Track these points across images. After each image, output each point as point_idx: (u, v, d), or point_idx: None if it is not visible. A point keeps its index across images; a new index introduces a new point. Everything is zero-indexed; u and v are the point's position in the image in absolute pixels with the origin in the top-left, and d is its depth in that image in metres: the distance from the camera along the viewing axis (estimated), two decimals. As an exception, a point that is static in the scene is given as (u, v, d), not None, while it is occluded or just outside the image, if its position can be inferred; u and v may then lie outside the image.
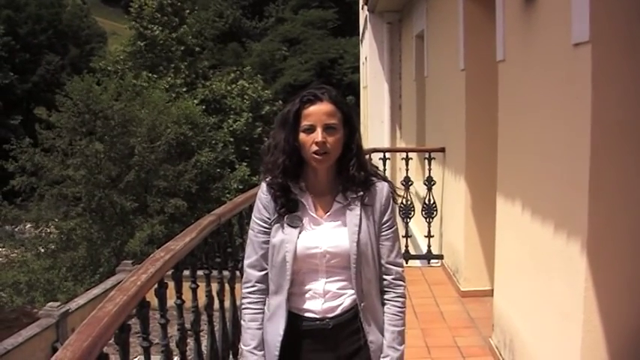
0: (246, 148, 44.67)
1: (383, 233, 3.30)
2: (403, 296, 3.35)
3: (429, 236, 9.73)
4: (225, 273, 4.99)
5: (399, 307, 3.33)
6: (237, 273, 5.21)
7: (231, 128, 44.04)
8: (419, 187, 11.00)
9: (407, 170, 9.89)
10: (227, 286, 5.03)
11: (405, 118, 15.53)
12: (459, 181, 8.55)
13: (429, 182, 9.76)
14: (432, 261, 9.92)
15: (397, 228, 3.40)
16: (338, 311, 3.23)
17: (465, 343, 6.89)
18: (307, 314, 3.24)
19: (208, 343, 4.60)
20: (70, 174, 32.64)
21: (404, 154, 10.30)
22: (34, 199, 33.88)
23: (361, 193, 3.23)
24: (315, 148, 3.10)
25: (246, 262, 3.39)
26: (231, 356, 4.96)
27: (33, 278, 31.05)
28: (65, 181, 33.05)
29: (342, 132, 3.16)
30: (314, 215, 3.25)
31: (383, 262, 3.31)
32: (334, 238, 3.20)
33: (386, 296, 3.33)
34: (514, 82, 5.90)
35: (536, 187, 5.20)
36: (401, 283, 3.35)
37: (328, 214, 3.25)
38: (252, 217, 3.40)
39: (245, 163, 41.66)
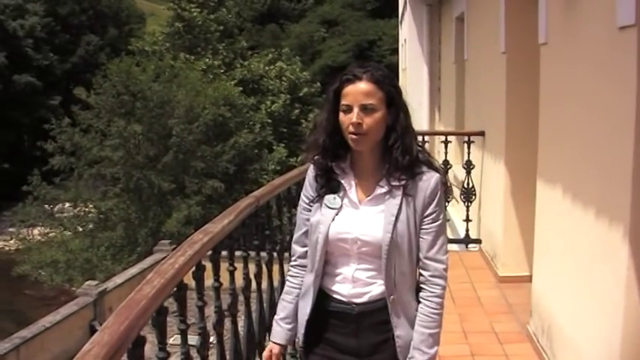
0: (284, 130, 44.71)
1: (424, 226, 3.15)
2: (440, 296, 3.18)
3: (467, 220, 9.66)
4: (263, 254, 4.96)
5: (433, 308, 3.16)
6: (275, 255, 5.21)
7: (268, 110, 44.06)
8: (457, 171, 10.93)
9: (446, 154, 9.80)
10: (264, 268, 5.01)
11: (444, 101, 15.43)
12: (498, 166, 8.47)
13: (468, 166, 9.68)
14: (469, 245, 9.86)
15: (443, 223, 3.21)
16: (365, 298, 3.17)
17: (502, 329, 6.84)
18: (335, 296, 3.22)
19: (245, 325, 4.60)
20: (109, 154, 32.85)
21: (443, 138, 10.22)
22: (73, 178, 34.12)
23: (404, 180, 3.08)
24: (351, 128, 3.02)
25: (294, 235, 3.46)
26: (267, 339, 4.93)
27: (71, 257, 31.38)
28: (103, 162, 33.28)
29: (384, 113, 3.05)
30: (354, 199, 3.17)
31: (421, 256, 3.16)
32: (368, 225, 3.12)
33: (421, 294, 3.19)
34: (556, 66, 5.81)
35: (578, 172, 5.13)
36: (439, 281, 3.17)
37: (368, 198, 3.16)
38: (302, 193, 3.40)
39: (283, 145, 41.70)
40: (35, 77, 62.63)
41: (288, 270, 3.49)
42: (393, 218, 3.08)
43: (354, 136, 3.04)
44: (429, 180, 3.12)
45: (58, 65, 66.89)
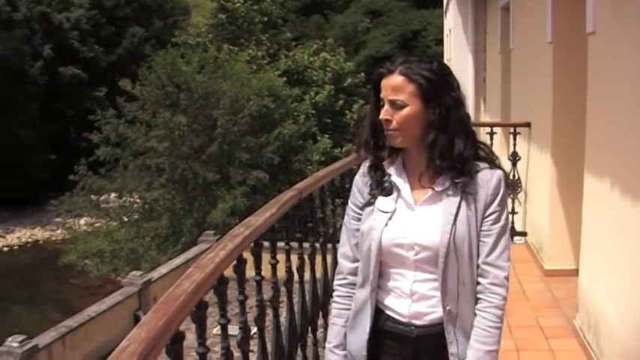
0: (328, 121, 44.60)
1: (484, 228, 2.90)
2: (500, 308, 2.89)
3: (513, 212, 9.54)
4: (306, 246, 4.91)
5: (492, 321, 2.87)
6: (318, 246, 5.16)
7: (313, 100, 43.98)
8: (503, 163, 10.80)
9: (491, 145, 9.70)
10: (307, 261, 4.96)
11: (489, 91, 15.32)
12: (544, 157, 8.36)
13: (514, 157, 9.58)
14: (515, 238, 9.74)
15: (506, 225, 2.95)
16: (426, 321, 2.93)
17: (548, 324, 6.76)
18: (392, 314, 2.99)
19: (287, 318, 4.55)
20: (154, 145, 33.04)
21: (488, 129, 10.11)
22: (119, 169, 34.40)
23: (462, 178, 2.86)
24: (384, 125, 2.88)
25: (339, 251, 3.25)
26: (309, 332, 4.90)
27: (117, 247, 31.68)
28: (149, 152, 33.49)
29: (417, 108, 2.83)
30: (408, 200, 2.96)
31: (480, 261, 2.89)
32: (425, 228, 2.88)
33: (478, 305, 2.90)
34: (605, 56, 5.71)
35: (628, 164, 5.03)
36: (499, 291, 2.89)
37: (424, 198, 2.93)
38: (349, 201, 3.20)
39: (327, 136, 41.58)
40: (81, 69, 63.43)
41: (335, 289, 3.27)
42: (452, 217, 2.86)
43: (387, 133, 2.90)
44: (490, 177, 2.91)
45: (103, 57, 67.61)
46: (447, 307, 2.87)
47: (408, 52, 3.01)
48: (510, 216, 9.59)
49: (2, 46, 54.91)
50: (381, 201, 3.00)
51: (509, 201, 9.63)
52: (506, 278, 2.92)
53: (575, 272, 6.85)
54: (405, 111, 2.84)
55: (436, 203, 2.91)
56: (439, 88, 2.85)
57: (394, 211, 2.96)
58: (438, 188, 2.90)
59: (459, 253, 2.84)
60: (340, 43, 56.48)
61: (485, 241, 2.90)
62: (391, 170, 3.01)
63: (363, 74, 49.54)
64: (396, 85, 2.85)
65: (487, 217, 2.90)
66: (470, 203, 2.88)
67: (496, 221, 2.91)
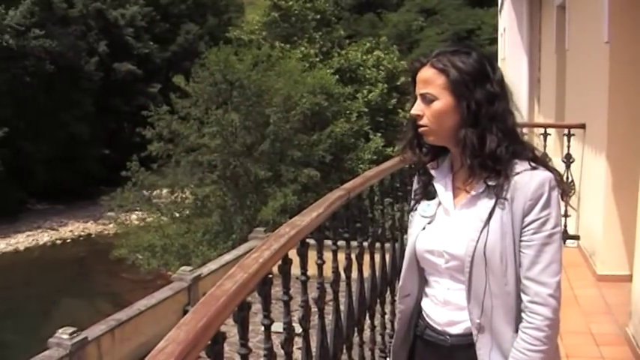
0: (381, 119, 44.48)
1: (524, 238, 2.64)
2: (540, 329, 2.62)
3: (566, 216, 9.38)
4: (353, 244, 4.84)
5: (529, 344, 2.63)
6: (366, 246, 5.09)
7: (365, 99, 43.88)
8: (556, 165, 10.65)
9: (545, 147, 9.56)
10: (354, 262, 4.90)
11: (543, 92, 15.14)
12: (599, 160, 8.22)
13: (568, 160, 9.42)
14: (567, 241, 9.59)
15: (553, 235, 2.65)
16: (460, 329, 2.80)
17: (600, 331, 6.63)
18: (430, 321, 2.90)
19: (333, 320, 4.49)
20: (206, 142, 33.23)
21: (542, 130, 9.96)
22: (171, 165, 34.70)
23: (495, 181, 2.66)
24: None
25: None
26: (356, 333, 4.84)
27: (168, 242, 31.93)
28: (201, 149, 33.68)
29: (449, 102, 2.69)
30: (447, 205, 2.83)
31: (521, 275, 2.65)
32: (455, 235, 2.74)
33: (521, 324, 2.67)
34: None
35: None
36: (540, 310, 2.62)
37: (461, 203, 2.79)
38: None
39: (379, 134, 41.47)
40: (135, 65, 64.12)
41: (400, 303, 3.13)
42: (481, 224, 2.67)
43: (420, 129, 2.79)
44: (530, 180, 2.64)
45: (157, 54, 68.24)
46: (477, 321, 2.72)
47: (454, 45, 2.88)
48: (563, 219, 9.48)
49: (58, 42, 55.58)
50: (423, 205, 2.92)
51: (563, 204, 9.48)
52: (552, 297, 2.63)
53: (629, 278, 6.70)
54: (435, 105, 2.72)
55: (470, 208, 2.76)
56: (470, 80, 2.70)
57: (434, 215, 2.87)
58: (474, 192, 2.75)
59: (489, 264, 2.66)
60: (394, 42, 56.43)
61: (526, 253, 2.65)
62: (436, 172, 2.90)
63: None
64: (426, 77, 2.76)
65: (527, 225, 2.65)
66: (505, 209, 2.66)
67: (537, 231, 2.64)
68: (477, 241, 2.66)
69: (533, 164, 2.69)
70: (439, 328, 2.87)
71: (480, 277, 2.68)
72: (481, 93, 2.68)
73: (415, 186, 2.99)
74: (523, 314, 2.66)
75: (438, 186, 2.86)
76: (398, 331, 3.10)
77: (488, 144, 2.67)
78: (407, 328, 3.04)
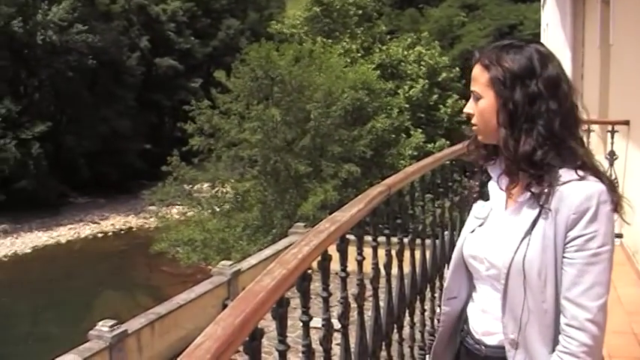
0: (422, 115, 44.44)
1: (566, 255, 2.43)
2: (575, 355, 2.43)
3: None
4: (394, 241, 4.79)
5: None
6: (406, 243, 5.04)
7: (406, 94, 43.82)
8: (600, 162, 10.53)
9: (588, 143, 9.43)
10: (395, 258, 4.85)
11: (586, 88, 14.96)
12: (643, 156, 8.11)
13: (611, 157, 9.28)
14: (610, 239, 9.47)
15: (600, 254, 2.41)
16: (495, 340, 2.67)
17: (643, 330, 6.53)
18: (470, 328, 2.80)
19: (372, 316, 4.45)
20: (247, 137, 33.30)
21: (585, 127, 9.82)
22: (211, 160, 34.83)
23: (536, 188, 2.47)
24: None
25: None
26: (395, 330, 4.79)
27: (208, 237, 32.06)
28: (242, 144, 33.78)
29: (492, 99, 2.55)
30: (498, 209, 2.69)
31: (561, 294, 2.45)
32: (497, 242, 2.60)
33: (557, 346, 2.48)
34: None
35: None
36: (576, 335, 2.42)
37: (512, 208, 2.63)
38: None
39: (420, 130, 41.36)
40: (177, 60, 64.54)
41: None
42: (522, 234, 2.50)
43: (472, 128, 2.70)
44: (576, 191, 2.43)
45: (198, 49, 68.67)
46: (511, 336, 2.58)
47: (503, 40, 2.69)
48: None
49: (101, 38, 56.13)
50: (478, 206, 2.78)
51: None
52: (592, 322, 2.41)
53: (674, 276, 6.61)
54: (481, 103, 2.61)
55: (515, 216, 2.60)
56: (510, 78, 2.54)
57: (486, 218, 2.72)
58: (520, 199, 2.58)
59: (527, 278, 2.49)
60: (435, 37, 56.10)
61: (566, 271, 2.44)
62: (492, 173, 2.77)
63: (457, 68, 49.20)
64: (474, 74, 2.64)
65: (570, 241, 2.43)
66: (549, 221, 2.46)
67: (581, 248, 2.42)
68: (515, 252, 2.51)
69: (581, 173, 2.47)
70: (476, 336, 2.77)
71: (516, 291, 2.53)
72: (521, 92, 2.51)
73: (474, 184, 2.90)
74: (560, 336, 2.48)
75: (491, 187, 2.75)
76: (441, 333, 3.00)
77: (522, 146, 2.50)
78: (452, 332, 2.93)
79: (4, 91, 51.47)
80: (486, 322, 2.71)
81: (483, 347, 2.74)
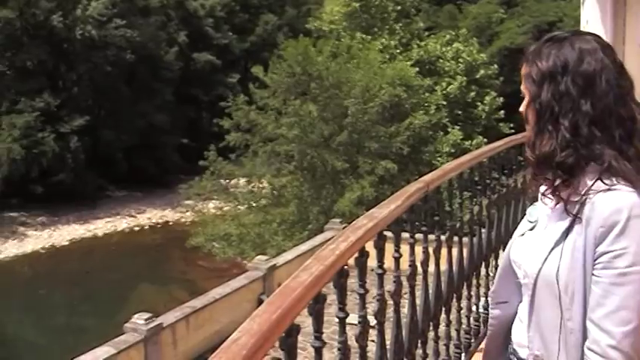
0: (459, 112, 44.14)
1: (594, 272, 2.25)
2: None
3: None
4: (431, 238, 4.75)
5: None
6: (443, 240, 4.99)
7: (444, 91, 43.58)
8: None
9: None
10: (432, 255, 4.81)
11: (627, 87, 14.80)
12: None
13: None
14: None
15: (627, 274, 2.20)
16: (524, 354, 2.55)
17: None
18: (512, 337, 2.66)
19: (408, 314, 4.43)
20: (284, 132, 33.33)
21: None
22: (248, 155, 34.90)
23: (564, 194, 2.33)
24: None
25: None
26: (431, 328, 4.76)
27: (244, 232, 32.14)
28: (278, 139, 33.81)
29: (529, 98, 2.43)
30: (542, 213, 2.51)
31: (587, 315, 2.26)
32: (532, 249, 2.45)
33: None
34: None
35: None
36: None
37: (549, 216, 2.46)
38: None
39: (458, 127, 41.15)
40: (214, 56, 64.64)
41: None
42: (552, 245, 2.34)
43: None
44: (605, 201, 2.24)
45: (236, 44, 68.87)
46: (536, 352, 2.45)
47: (550, 34, 2.53)
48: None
49: (139, 33, 56.43)
50: (532, 207, 2.60)
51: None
52: (615, 349, 2.21)
53: None
54: (525, 101, 2.47)
55: (551, 223, 2.44)
56: (540, 74, 2.40)
57: (536, 222, 2.53)
58: (555, 206, 2.43)
59: (554, 292, 2.34)
60: (473, 34, 55.70)
61: (593, 290, 2.25)
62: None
63: (496, 65, 48.88)
64: (523, 72, 2.48)
65: (598, 257, 2.24)
66: (580, 232, 2.27)
67: (607, 266, 2.23)
68: (543, 263, 2.36)
69: (609, 181, 2.27)
70: (513, 345, 2.66)
71: (544, 304, 2.39)
72: (549, 90, 2.36)
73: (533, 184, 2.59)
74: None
75: (542, 189, 2.51)
76: (492, 337, 2.87)
77: (541, 146, 2.36)
78: (505, 337, 2.76)
79: (44, 85, 51.93)
80: (520, 333, 2.59)
81: (516, 359, 2.63)
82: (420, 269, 4.51)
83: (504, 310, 2.74)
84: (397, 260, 4.03)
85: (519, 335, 2.60)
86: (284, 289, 2.41)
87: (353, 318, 3.23)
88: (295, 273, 2.57)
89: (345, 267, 3.01)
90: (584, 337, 2.28)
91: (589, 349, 2.25)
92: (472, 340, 5.59)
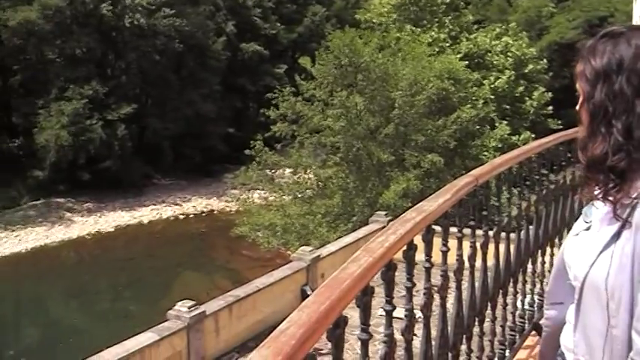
0: (507, 107, 43.87)
1: (637, 278, 2.15)
2: None
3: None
4: (479, 233, 4.72)
5: None
6: (491, 235, 4.96)
7: (492, 85, 43.30)
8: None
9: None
10: (479, 251, 4.77)
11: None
12: None
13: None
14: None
15: None
16: (570, 358, 2.47)
17: None
18: (562, 341, 2.57)
19: (454, 308, 4.40)
20: (330, 124, 33.29)
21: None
22: (294, 145, 34.91)
23: (612, 198, 2.24)
24: None
25: None
26: (476, 324, 4.73)
27: (288, 222, 32.16)
28: (324, 131, 33.79)
29: (582, 98, 2.33)
30: (596, 216, 2.40)
31: (633, 324, 2.16)
32: (582, 252, 2.37)
33: None
34: None
35: None
36: None
37: (600, 219, 2.36)
38: None
39: (505, 122, 40.87)
40: (262, 46, 64.73)
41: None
42: (600, 248, 2.25)
43: None
44: None
45: (284, 35, 69.00)
46: (581, 358, 2.39)
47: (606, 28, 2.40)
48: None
49: (188, 22, 56.70)
50: (588, 207, 2.48)
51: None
52: None
53: None
54: (579, 101, 2.37)
55: (602, 227, 2.34)
56: (594, 73, 2.29)
57: (591, 222, 2.42)
58: (606, 210, 2.32)
59: (601, 297, 2.24)
60: (523, 28, 55.25)
61: (638, 299, 2.15)
62: None
63: (545, 60, 48.48)
64: (578, 71, 2.38)
65: None
66: (629, 237, 2.18)
67: None
68: (591, 267, 2.28)
69: None
70: (561, 348, 2.58)
71: (590, 309, 2.31)
72: (603, 89, 2.25)
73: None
74: None
75: (597, 191, 2.35)
76: (547, 339, 2.81)
77: (593, 149, 2.26)
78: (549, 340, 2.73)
79: (92, 72, 52.48)
80: (568, 336, 2.51)
81: None
82: (467, 264, 4.49)
83: (560, 311, 2.64)
84: (445, 254, 4.01)
85: (567, 338, 2.52)
86: (332, 281, 2.41)
87: (399, 312, 3.22)
88: (344, 265, 2.56)
89: (395, 263, 3.00)
90: (630, 347, 2.18)
91: None
92: (517, 337, 5.56)
